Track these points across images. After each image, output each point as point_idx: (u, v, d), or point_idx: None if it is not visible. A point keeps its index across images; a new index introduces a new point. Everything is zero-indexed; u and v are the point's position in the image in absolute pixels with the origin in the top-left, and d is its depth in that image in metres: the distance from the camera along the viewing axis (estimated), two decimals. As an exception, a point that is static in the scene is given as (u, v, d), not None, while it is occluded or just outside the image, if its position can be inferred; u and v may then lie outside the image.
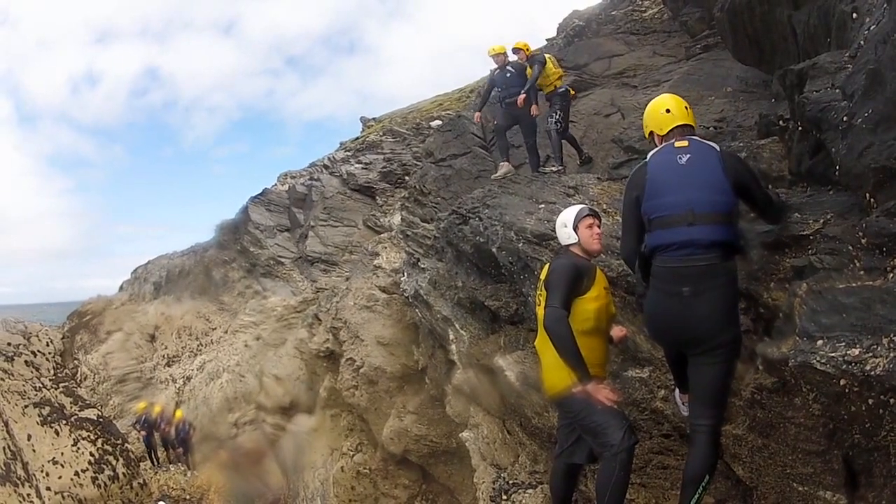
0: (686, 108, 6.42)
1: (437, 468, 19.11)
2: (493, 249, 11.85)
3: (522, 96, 15.14)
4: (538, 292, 7.05)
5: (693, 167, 5.99)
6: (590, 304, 6.79)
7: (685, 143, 6.15)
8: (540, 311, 6.87)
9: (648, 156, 6.40)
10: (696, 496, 5.90)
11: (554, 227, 8.65)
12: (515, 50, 15.87)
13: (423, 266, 17.96)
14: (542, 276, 7.07)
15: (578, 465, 7.35)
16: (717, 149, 6.10)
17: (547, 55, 16.15)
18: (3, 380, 33.72)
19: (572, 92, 16.51)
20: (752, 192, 6.17)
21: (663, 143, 6.36)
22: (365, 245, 29.48)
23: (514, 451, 12.59)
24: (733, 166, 6.03)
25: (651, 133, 6.65)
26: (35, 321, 46.73)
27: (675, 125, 6.34)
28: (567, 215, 7.41)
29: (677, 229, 5.93)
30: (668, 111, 6.40)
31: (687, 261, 5.88)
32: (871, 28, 5.90)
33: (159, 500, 25.69)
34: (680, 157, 6.07)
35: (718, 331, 5.87)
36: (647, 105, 6.76)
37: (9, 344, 38.40)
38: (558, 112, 15.34)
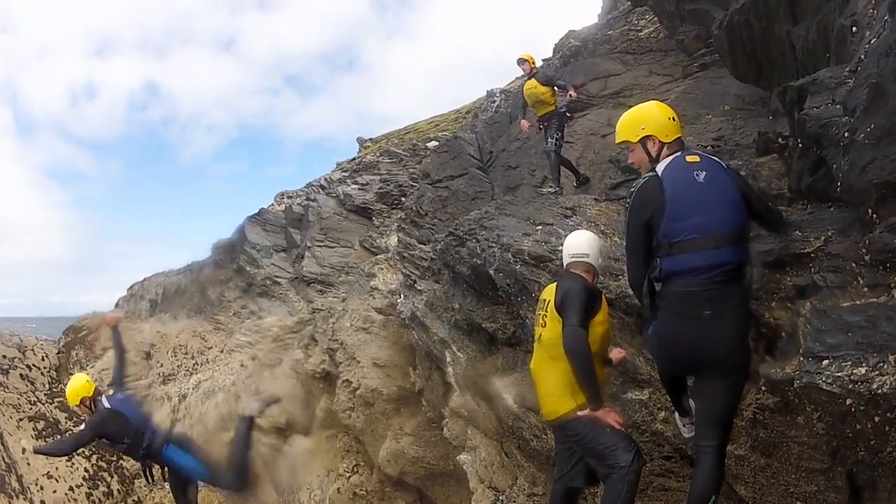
0: (672, 118, 6.30)
1: (434, 490, 19.05)
2: (491, 271, 11.79)
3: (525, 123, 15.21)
4: (541, 312, 6.98)
5: (711, 186, 5.85)
6: (597, 328, 6.74)
7: (696, 158, 5.99)
8: (545, 332, 6.80)
9: (659, 170, 6.09)
10: None
11: (552, 249, 8.61)
12: (520, 61, 15.81)
13: (419, 288, 17.93)
14: (547, 297, 6.99)
15: (578, 488, 7.28)
16: (723, 163, 6.03)
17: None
18: (-3, 393, 33.71)
19: (568, 114, 16.46)
20: (754, 204, 6.10)
21: (671, 156, 6.12)
22: (361, 266, 29.44)
23: (512, 474, 12.54)
24: (737, 177, 6.03)
25: (645, 138, 6.26)
26: (30, 335, 46.76)
27: (678, 136, 6.18)
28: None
29: (703, 253, 5.77)
30: (673, 119, 6.20)
31: (710, 284, 5.76)
32: (872, 41, 5.84)
33: None
34: (697, 175, 5.90)
35: (735, 352, 5.79)
36: (648, 106, 6.47)
37: (3, 357, 38.47)
38: (557, 132, 15.25)
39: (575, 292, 6.74)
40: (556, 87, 15.43)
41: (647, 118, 6.30)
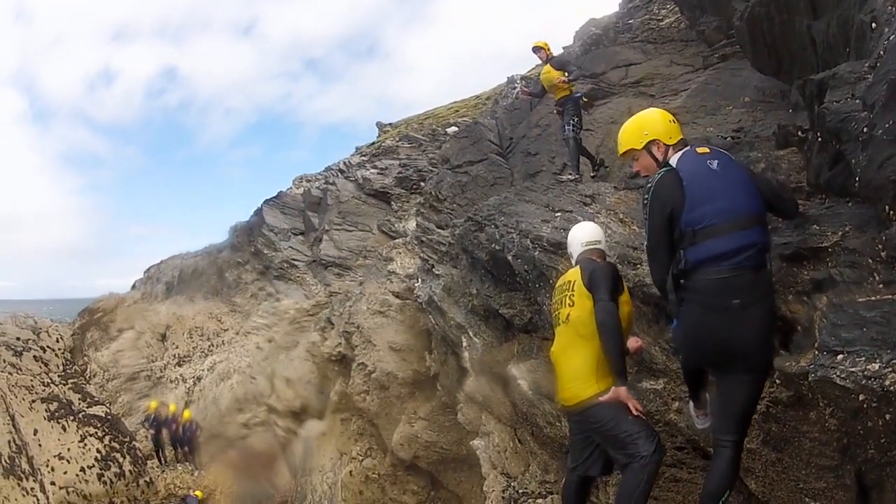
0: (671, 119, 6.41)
1: (446, 475, 19.08)
2: (509, 257, 11.81)
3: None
4: (565, 293, 6.99)
5: (727, 172, 5.89)
6: (623, 307, 6.82)
7: (706, 149, 6.03)
8: (573, 311, 6.81)
9: (673, 163, 6.11)
10: None
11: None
12: (535, 49, 15.80)
13: (437, 272, 17.95)
14: (572, 278, 7.05)
15: (592, 477, 7.32)
16: (730, 154, 6.09)
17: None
18: (11, 374, 33.77)
19: (585, 100, 16.39)
20: (764, 191, 6.09)
21: (679, 152, 6.15)
22: (379, 250, 29.48)
23: (524, 461, 12.55)
24: (747, 169, 6.10)
25: (650, 143, 6.36)
26: (45, 317, 46.83)
27: (681, 137, 6.24)
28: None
29: (731, 235, 5.75)
30: (673, 121, 6.29)
31: (738, 269, 5.73)
32: (891, 38, 5.83)
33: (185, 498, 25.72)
34: (710, 163, 5.94)
35: (762, 347, 5.79)
36: (649, 112, 6.62)
37: (18, 338, 38.47)
38: (574, 118, 15.25)
39: (602, 270, 6.84)
40: (565, 72, 15.40)
41: (648, 123, 6.39)
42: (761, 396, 6.35)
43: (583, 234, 7.61)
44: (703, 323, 5.98)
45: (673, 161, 6.13)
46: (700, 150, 6.05)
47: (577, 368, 6.68)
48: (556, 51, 17.56)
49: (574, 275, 7.08)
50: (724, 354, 5.96)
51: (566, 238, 8.74)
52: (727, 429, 5.98)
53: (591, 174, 15.47)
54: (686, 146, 6.19)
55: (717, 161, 5.94)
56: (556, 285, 7.35)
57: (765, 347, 5.80)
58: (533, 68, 35.59)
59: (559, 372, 6.96)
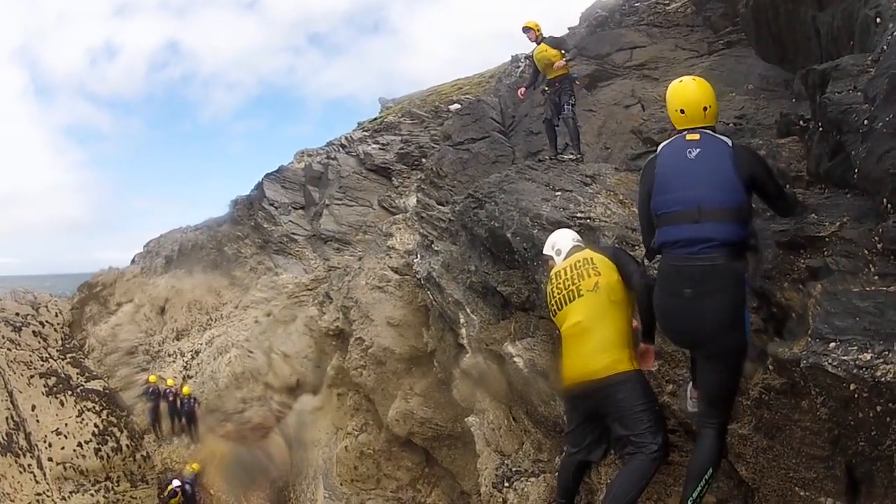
0: (706, 108, 6.10)
1: (440, 452, 19.13)
2: (508, 235, 11.89)
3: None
4: (583, 269, 7.02)
5: (702, 162, 5.89)
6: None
7: (696, 136, 6.02)
8: (601, 279, 6.83)
9: (659, 148, 6.30)
10: (699, 489, 5.92)
11: (570, 215, 8.76)
12: (525, 29, 15.68)
13: (436, 249, 18.00)
14: (587, 255, 7.16)
15: (591, 462, 7.38)
16: (730, 144, 5.96)
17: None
18: (9, 350, 33.85)
19: (577, 81, 16.36)
20: (764, 187, 6.10)
21: (673, 137, 6.23)
22: (379, 225, 29.45)
23: (518, 439, 12.60)
24: (746, 161, 5.92)
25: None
26: (45, 292, 46.80)
27: (685, 128, 6.16)
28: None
29: (683, 226, 5.88)
30: (682, 112, 6.16)
31: (690, 259, 5.84)
32: (895, 33, 5.89)
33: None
34: (689, 152, 5.96)
35: (720, 336, 5.85)
36: (671, 89, 6.37)
37: (17, 314, 38.52)
38: (572, 98, 15.24)
39: (620, 248, 7.26)
40: (563, 52, 15.33)
41: (667, 104, 6.35)
42: (754, 383, 6.42)
43: (571, 234, 7.95)
44: (660, 304, 6.26)
45: (662, 144, 6.28)
46: (690, 136, 6.06)
47: (610, 338, 6.64)
48: (561, 32, 17.53)
49: (587, 252, 7.24)
50: (684, 338, 6.26)
51: (566, 217, 8.79)
52: (706, 411, 6.15)
53: (550, 157, 15.38)
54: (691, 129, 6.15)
55: (698, 150, 5.95)
56: (558, 269, 7.34)
57: (724, 336, 5.85)
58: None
59: (586, 342, 6.79)
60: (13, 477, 26.06)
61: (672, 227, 6.01)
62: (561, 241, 7.76)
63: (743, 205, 5.85)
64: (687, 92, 6.18)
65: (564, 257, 7.50)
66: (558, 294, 7.14)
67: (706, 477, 5.94)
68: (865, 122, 5.64)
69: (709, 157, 5.90)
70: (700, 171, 5.88)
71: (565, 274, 7.17)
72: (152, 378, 32.69)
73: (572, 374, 6.85)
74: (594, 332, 6.73)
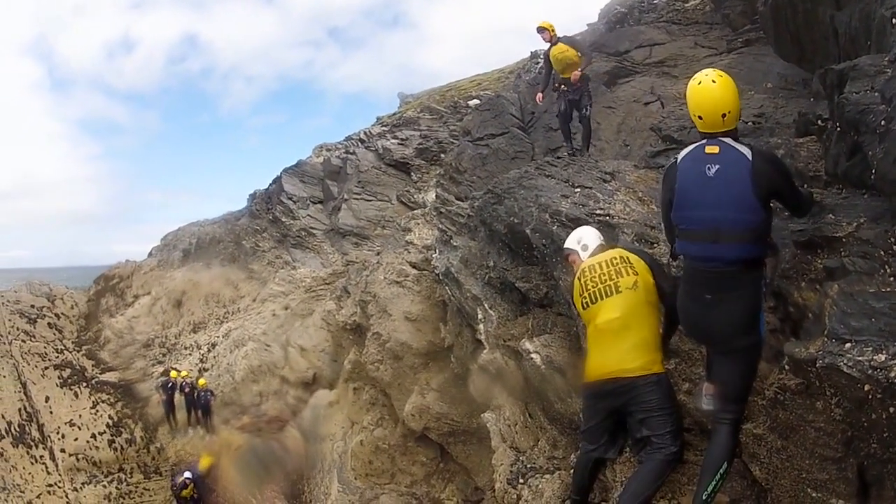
0: (724, 114, 5.93)
1: (455, 447, 19.17)
2: (527, 231, 11.90)
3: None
4: (619, 266, 7.04)
5: (721, 181, 5.84)
6: None
7: (716, 149, 5.92)
8: (639, 279, 6.88)
9: (679, 157, 6.24)
10: (713, 484, 5.97)
11: (589, 212, 8.80)
12: (540, 30, 15.64)
13: (455, 244, 18.04)
14: (622, 254, 7.22)
15: (606, 459, 7.42)
16: (749, 157, 5.83)
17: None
18: (23, 341, 34.00)
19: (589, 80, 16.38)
20: (783, 196, 6.11)
21: (694, 144, 6.17)
22: (398, 220, 29.50)
23: (534, 435, 12.61)
24: (765, 175, 5.81)
25: None
26: (60, 284, 47.01)
27: (705, 133, 6.08)
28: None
29: (702, 244, 5.95)
30: (700, 118, 6.04)
31: (709, 272, 5.94)
32: (910, 35, 5.90)
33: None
34: (709, 168, 5.89)
35: (736, 336, 5.94)
36: (690, 91, 6.18)
37: (32, 306, 38.79)
38: (591, 99, 15.28)
39: (654, 258, 7.32)
40: (580, 54, 15.32)
41: (688, 101, 6.22)
42: (770, 383, 6.44)
43: (596, 231, 8.04)
44: (684, 306, 6.34)
45: (681, 154, 6.24)
46: (709, 149, 5.97)
47: (646, 337, 6.70)
48: (581, 28, 17.52)
49: (622, 252, 7.29)
50: (703, 336, 6.39)
51: (585, 213, 8.82)
52: (721, 406, 6.20)
53: (569, 152, 15.41)
54: (710, 137, 6.06)
55: (717, 167, 5.87)
56: (591, 263, 7.31)
57: (741, 334, 5.94)
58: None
59: (622, 339, 6.79)
60: (24, 468, 26.13)
61: (691, 243, 6.11)
62: (587, 238, 7.80)
63: (761, 223, 5.86)
64: (705, 96, 6.02)
65: (591, 253, 7.53)
66: (592, 287, 7.11)
67: (721, 472, 5.98)
68: (882, 122, 5.63)
69: (727, 175, 5.84)
70: (718, 192, 5.86)
71: (600, 269, 7.16)
72: (174, 374, 32.71)
73: (603, 370, 6.86)
74: (632, 330, 6.76)
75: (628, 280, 6.90)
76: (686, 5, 21.77)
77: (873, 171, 5.77)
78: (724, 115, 5.92)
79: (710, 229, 5.86)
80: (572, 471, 8.27)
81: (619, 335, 6.78)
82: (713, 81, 5.97)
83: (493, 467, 13.47)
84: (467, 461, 18.75)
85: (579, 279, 7.35)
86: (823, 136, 7.81)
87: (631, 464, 8.29)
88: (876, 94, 6.06)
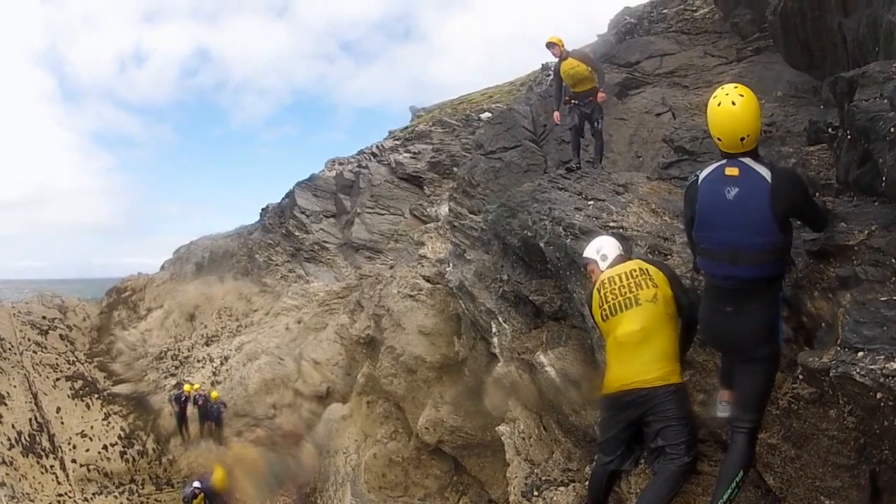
0: (743, 138, 5.86)
1: (469, 460, 19.15)
2: (541, 244, 11.93)
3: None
4: (639, 278, 7.07)
5: (740, 205, 5.86)
6: None
7: (735, 171, 5.93)
8: (659, 291, 6.92)
9: (700, 177, 6.25)
10: (729, 492, 5.98)
11: (603, 224, 8.82)
12: (550, 45, 15.63)
13: (468, 257, 18.07)
14: (640, 266, 7.26)
15: (622, 471, 7.42)
16: (769, 179, 5.81)
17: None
18: (35, 353, 34.12)
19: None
20: (802, 214, 6.14)
21: (715, 164, 6.16)
22: (411, 234, 29.56)
23: (549, 448, 12.61)
24: (784, 197, 5.79)
25: None
26: (73, 296, 47.16)
27: (725, 153, 6.07)
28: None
29: (721, 265, 6.02)
30: (719, 140, 6.01)
31: (729, 289, 6.03)
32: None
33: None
34: (728, 191, 5.91)
35: (756, 345, 6.00)
36: (710, 111, 6.08)
37: (44, 317, 38.97)
38: (602, 113, 15.29)
39: (674, 272, 7.36)
40: (592, 69, 15.32)
41: (708, 119, 6.16)
42: (783, 392, 6.46)
43: (615, 241, 8.04)
44: (705, 316, 6.46)
45: (702, 174, 6.25)
46: (729, 171, 5.97)
47: (665, 349, 6.73)
48: (591, 39, 17.53)
49: (641, 264, 7.32)
50: (724, 346, 6.46)
51: (598, 226, 8.83)
52: (738, 415, 6.24)
53: (566, 167, 15.38)
54: (730, 157, 6.05)
55: (736, 190, 5.88)
56: (611, 275, 7.33)
57: (761, 344, 6.01)
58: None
59: (643, 351, 6.81)
60: (34, 477, 26.33)
61: (710, 261, 6.17)
62: (606, 247, 7.81)
63: (778, 245, 5.87)
64: (724, 119, 5.96)
65: (611, 264, 7.56)
66: (612, 300, 7.14)
67: (737, 480, 6.00)
68: (892, 130, 5.64)
69: (746, 197, 5.85)
70: (736, 215, 5.88)
71: (620, 281, 7.19)
72: (187, 387, 32.74)
73: (623, 381, 6.86)
74: (653, 342, 6.78)
75: (648, 293, 6.93)
76: (695, 14, 21.77)
77: (884, 178, 5.79)
78: (742, 139, 5.89)
79: (728, 252, 5.91)
80: (587, 483, 8.26)
81: (640, 347, 6.80)
82: (733, 103, 5.89)
83: (507, 480, 13.48)
84: (481, 474, 18.73)
85: (598, 290, 7.36)
86: (834, 144, 7.79)
87: (646, 475, 8.30)
88: (885, 101, 6.05)
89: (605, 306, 7.19)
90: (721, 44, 19.47)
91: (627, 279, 7.13)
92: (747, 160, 5.95)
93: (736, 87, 6.02)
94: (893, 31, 7.02)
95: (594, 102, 15.02)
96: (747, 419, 6.15)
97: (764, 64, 15.52)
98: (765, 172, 5.86)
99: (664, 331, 6.79)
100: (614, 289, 7.17)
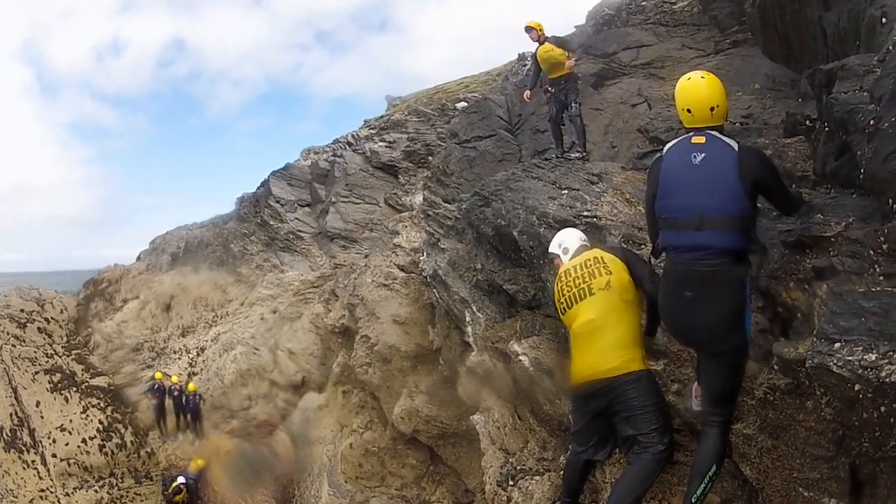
0: (713, 108, 5.99)
1: (445, 450, 19.14)
2: (515, 233, 11.94)
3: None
4: (593, 267, 7.07)
5: (706, 169, 5.86)
6: None
7: (702, 139, 5.96)
8: (613, 277, 6.90)
9: (665, 149, 6.27)
10: (703, 487, 5.98)
11: (577, 214, 8.79)
12: (528, 29, 15.58)
13: (442, 246, 18.04)
14: (596, 255, 7.23)
15: (596, 461, 7.41)
16: (736, 148, 5.88)
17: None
18: (14, 346, 33.95)
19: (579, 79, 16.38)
20: (769, 191, 6.09)
21: (680, 137, 6.21)
22: (385, 223, 29.49)
23: (523, 437, 12.60)
24: (751, 167, 5.83)
25: None
26: (50, 288, 46.96)
27: (692, 127, 6.10)
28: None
29: (685, 233, 5.94)
30: (689, 111, 6.06)
31: (692, 264, 5.91)
32: (900, 34, 5.90)
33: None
34: (694, 157, 5.92)
35: (720, 338, 5.94)
36: (679, 86, 6.27)
37: (22, 310, 38.71)
38: (579, 97, 15.26)
39: (627, 249, 7.42)
40: (568, 53, 15.30)
41: (677, 97, 6.24)
42: (759, 383, 6.44)
43: (578, 233, 8.02)
44: (664, 304, 6.38)
45: (667, 146, 6.27)
46: (695, 139, 6.01)
47: (622, 336, 6.70)
48: (568, 30, 17.54)
49: (595, 252, 7.31)
50: (685, 335, 6.36)
51: (572, 216, 8.82)
52: (709, 409, 6.23)
53: (557, 155, 15.37)
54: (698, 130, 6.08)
55: (703, 155, 5.91)
56: (567, 267, 7.37)
57: (723, 338, 5.94)
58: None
59: (598, 340, 6.81)
60: (17, 473, 26.18)
61: (674, 232, 6.07)
62: (568, 240, 7.78)
63: (745, 212, 5.84)
64: (695, 90, 6.08)
65: (571, 256, 7.53)
66: (568, 292, 7.14)
67: (710, 474, 6.00)
68: (871, 122, 5.61)
69: (713, 163, 5.86)
70: (703, 179, 5.87)
71: (575, 272, 7.18)
72: (158, 375, 32.63)
73: (584, 372, 6.85)
74: (607, 331, 6.76)
75: (601, 280, 6.94)
76: (674, 7, 21.78)
77: (862, 170, 5.77)
78: (712, 109, 5.97)
79: (694, 215, 5.86)
80: (562, 472, 8.27)
81: (595, 337, 6.81)
82: (702, 77, 6.09)
83: (482, 469, 13.45)
84: (457, 463, 18.72)
85: (557, 284, 7.40)
86: (811, 136, 7.82)
87: (621, 465, 8.31)
88: (865, 93, 6.07)
89: (563, 299, 7.24)
90: (699, 36, 19.52)
91: (582, 269, 7.16)
92: (714, 132, 6.00)
93: (702, 71, 6.27)
94: (875, 25, 7.02)
95: (568, 86, 14.99)
96: (718, 412, 6.16)
97: (742, 56, 15.57)
98: (732, 143, 5.93)
99: (621, 318, 6.78)
100: (569, 281, 7.21)
